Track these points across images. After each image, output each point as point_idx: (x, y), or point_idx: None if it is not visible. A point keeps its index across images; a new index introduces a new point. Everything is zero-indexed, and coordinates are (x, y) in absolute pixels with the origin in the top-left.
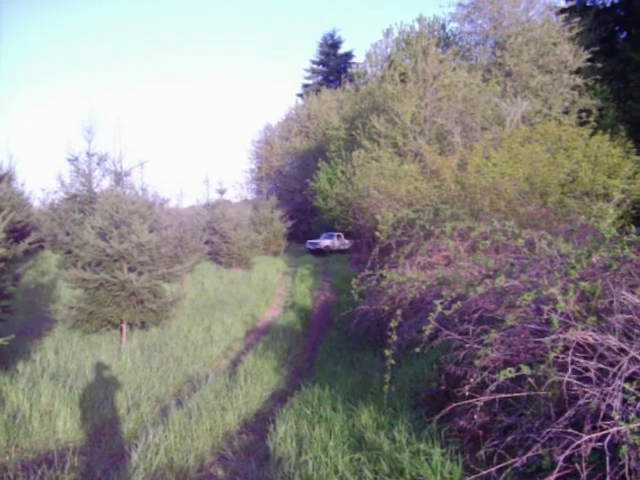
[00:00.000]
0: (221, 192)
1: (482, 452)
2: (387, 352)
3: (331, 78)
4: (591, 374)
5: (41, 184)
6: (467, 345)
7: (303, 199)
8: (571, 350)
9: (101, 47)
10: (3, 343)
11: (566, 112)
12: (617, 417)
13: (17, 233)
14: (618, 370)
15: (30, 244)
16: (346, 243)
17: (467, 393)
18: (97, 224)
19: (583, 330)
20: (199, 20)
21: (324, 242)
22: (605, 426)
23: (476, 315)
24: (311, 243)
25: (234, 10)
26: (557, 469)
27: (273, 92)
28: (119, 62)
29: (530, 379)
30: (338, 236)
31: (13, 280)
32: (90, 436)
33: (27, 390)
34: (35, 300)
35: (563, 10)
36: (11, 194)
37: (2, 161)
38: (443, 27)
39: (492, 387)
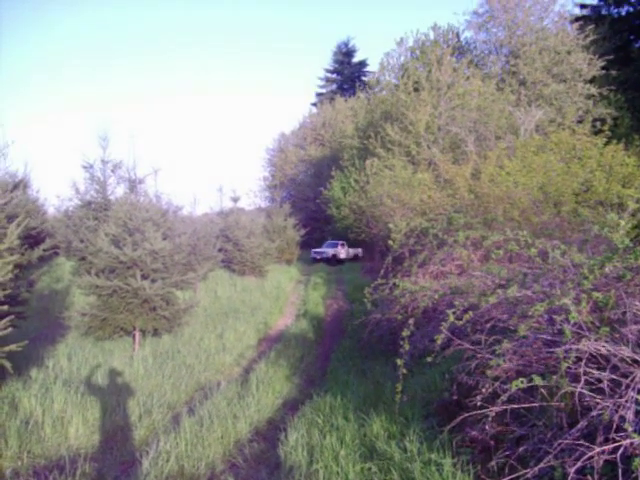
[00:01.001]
0: (235, 200)
1: (494, 463)
2: (399, 361)
3: (345, 87)
4: (604, 385)
5: (56, 191)
6: (479, 355)
7: (317, 207)
8: (584, 361)
9: (117, 56)
10: (16, 349)
11: (580, 121)
12: (630, 429)
13: (32, 239)
14: (631, 381)
15: (44, 251)
16: (358, 252)
17: (479, 403)
18: (111, 231)
19: (596, 341)
20: (213, 30)
21: (331, 251)
22: (618, 438)
23: (488, 325)
24: (317, 252)
25: (248, 17)
26: None
27: (288, 100)
28: (134, 71)
29: (542, 390)
30: (342, 245)
31: (27, 286)
32: (102, 442)
33: (40, 396)
34: (49, 306)
35: (577, 19)
36: (26, 201)
37: (17, 169)
38: (457, 36)
39: (504, 397)
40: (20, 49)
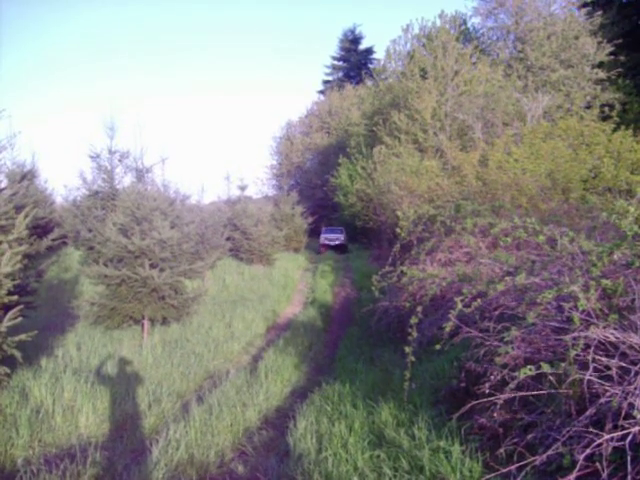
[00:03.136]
0: (242, 188)
1: (502, 450)
2: (407, 349)
3: (352, 74)
4: (612, 372)
5: (64, 181)
6: (487, 342)
7: (324, 195)
8: (592, 348)
9: (124, 46)
10: (26, 339)
11: (588, 107)
12: (638, 416)
13: (40, 229)
14: None
15: (53, 240)
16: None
17: (487, 391)
18: (119, 221)
19: (604, 328)
20: (220, 18)
21: (340, 237)
22: (626, 425)
23: (497, 312)
24: (329, 238)
25: (254, 4)
26: (577, 468)
27: (294, 88)
28: (140, 59)
29: (551, 377)
30: (341, 231)
31: (36, 276)
32: (112, 431)
33: (50, 385)
34: (58, 296)
35: (585, 4)
36: (34, 191)
37: (25, 159)
38: (465, 22)
39: (512, 385)
40: (30, 45)
